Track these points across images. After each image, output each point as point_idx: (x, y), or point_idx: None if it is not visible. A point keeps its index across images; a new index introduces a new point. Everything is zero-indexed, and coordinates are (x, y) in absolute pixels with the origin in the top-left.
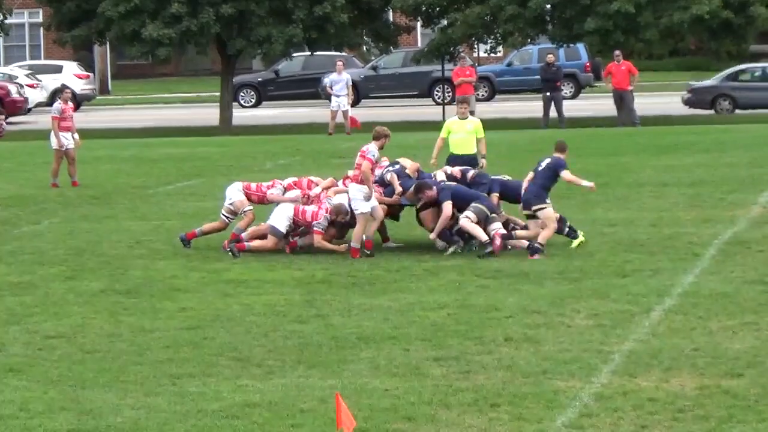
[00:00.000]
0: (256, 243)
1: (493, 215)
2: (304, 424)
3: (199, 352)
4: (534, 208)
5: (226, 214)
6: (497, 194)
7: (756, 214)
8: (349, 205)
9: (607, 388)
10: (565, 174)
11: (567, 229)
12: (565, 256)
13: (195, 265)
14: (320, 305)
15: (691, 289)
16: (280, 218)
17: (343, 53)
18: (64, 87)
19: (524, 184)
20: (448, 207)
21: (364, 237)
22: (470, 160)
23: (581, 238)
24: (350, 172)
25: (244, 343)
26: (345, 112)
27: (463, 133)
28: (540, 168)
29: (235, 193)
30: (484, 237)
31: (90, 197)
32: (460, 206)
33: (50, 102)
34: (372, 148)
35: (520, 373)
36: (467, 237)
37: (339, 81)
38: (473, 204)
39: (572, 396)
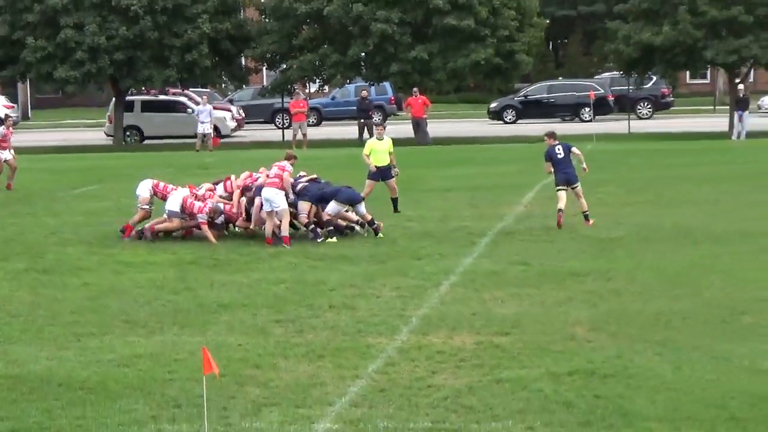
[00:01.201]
0: (163, 225)
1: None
2: (178, 371)
3: (98, 316)
4: (576, 184)
5: (141, 205)
6: (315, 206)
7: (519, 212)
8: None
9: (406, 343)
10: (576, 149)
11: (370, 225)
12: (374, 243)
13: (95, 250)
14: (190, 281)
15: (470, 269)
16: (174, 202)
17: (207, 89)
18: (7, 116)
19: (554, 169)
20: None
21: (268, 229)
22: (386, 170)
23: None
24: (243, 174)
25: (132, 309)
26: (208, 135)
27: (382, 150)
28: (562, 156)
29: (143, 190)
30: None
31: (15, 198)
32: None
33: None
34: (287, 165)
35: (341, 332)
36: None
37: (204, 111)
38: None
39: (380, 350)
